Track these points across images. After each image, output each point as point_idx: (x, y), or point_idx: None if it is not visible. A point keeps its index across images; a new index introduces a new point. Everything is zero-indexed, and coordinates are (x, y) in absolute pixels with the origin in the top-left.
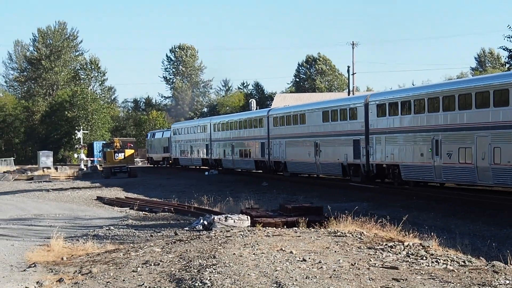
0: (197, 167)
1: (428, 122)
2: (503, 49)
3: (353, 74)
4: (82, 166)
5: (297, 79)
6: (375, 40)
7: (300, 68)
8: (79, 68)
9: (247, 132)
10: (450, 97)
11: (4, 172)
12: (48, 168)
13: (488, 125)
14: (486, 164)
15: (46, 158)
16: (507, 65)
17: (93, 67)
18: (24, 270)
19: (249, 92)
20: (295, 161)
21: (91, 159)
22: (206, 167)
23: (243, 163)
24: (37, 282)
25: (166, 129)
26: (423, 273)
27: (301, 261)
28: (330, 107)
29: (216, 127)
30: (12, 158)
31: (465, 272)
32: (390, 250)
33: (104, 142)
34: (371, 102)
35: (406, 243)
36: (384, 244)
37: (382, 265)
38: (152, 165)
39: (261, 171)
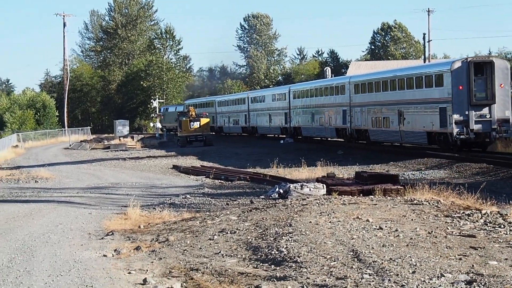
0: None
1: (310, 102)
2: None
3: (428, 41)
4: (158, 135)
5: (373, 47)
6: (452, 6)
7: (376, 36)
8: (154, 37)
9: (236, 108)
10: (315, 90)
11: (81, 141)
12: (125, 137)
13: (325, 105)
14: (325, 126)
15: (122, 127)
16: None
17: (168, 36)
18: (102, 238)
19: (324, 60)
20: (262, 126)
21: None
22: (213, 133)
23: (234, 129)
24: (115, 250)
25: (178, 104)
26: (501, 241)
27: (378, 229)
28: (274, 93)
29: (221, 103)
30: (89, 127)
31: None
32: (468, 218)
33: (179, 111)
34: (291, 91)
35: (483, 211)
36: (461, 212)
37: (460, 233)
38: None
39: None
